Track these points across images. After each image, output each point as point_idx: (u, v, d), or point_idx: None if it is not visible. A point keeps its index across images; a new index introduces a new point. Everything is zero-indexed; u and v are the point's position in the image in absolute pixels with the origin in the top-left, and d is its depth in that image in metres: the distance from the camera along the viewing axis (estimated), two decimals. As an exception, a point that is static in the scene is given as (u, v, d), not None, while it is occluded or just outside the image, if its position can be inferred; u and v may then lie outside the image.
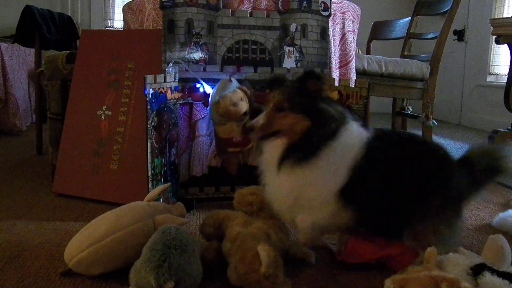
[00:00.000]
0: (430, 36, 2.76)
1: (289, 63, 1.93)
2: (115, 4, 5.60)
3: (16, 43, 3.46)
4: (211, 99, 1.78)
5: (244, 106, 1.78)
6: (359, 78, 2.21)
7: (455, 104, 5.25)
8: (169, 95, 1.76)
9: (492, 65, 4.73)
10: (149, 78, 1.63)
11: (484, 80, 4.78)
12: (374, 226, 1.32)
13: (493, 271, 1.16)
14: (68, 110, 2.09)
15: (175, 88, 1.80)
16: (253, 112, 1.62)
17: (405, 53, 3.06)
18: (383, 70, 2.44)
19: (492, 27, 3.44)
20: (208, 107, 1.82)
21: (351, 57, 2.19)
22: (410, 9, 3.12)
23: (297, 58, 1.93)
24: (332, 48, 2.06)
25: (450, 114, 5.30)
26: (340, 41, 2.17)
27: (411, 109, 3.13)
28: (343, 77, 2.12)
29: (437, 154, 1.36)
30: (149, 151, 1.65)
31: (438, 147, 1.40)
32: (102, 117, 2.00)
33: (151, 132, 1.66)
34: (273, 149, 1.29)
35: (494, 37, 3.53)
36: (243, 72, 1.89)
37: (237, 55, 1.89)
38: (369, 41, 3.53)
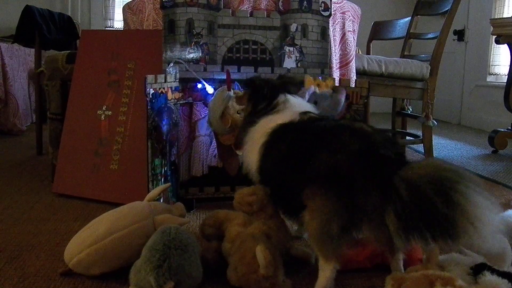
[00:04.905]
0: (430, 36, 2.76)
1: (289, 63, 1.93)
2: (115, 4, 5.60)
3: (16, 43, 3.46)
4: (211, 113, 1.74)
5: None
6: (359, 78, 2.21)
7: (455, 104, 5.25)
8: (170, 95, 1.76)
9: (492, 65, 4.73)
10: (150, 78, 1.63)
11: (484, 80, 4.78)
12: (283, 205, 1.31)
13: (493, 271, 1.16)
14: (68, 110, 2.09)
15: (176, 88, 1.80)
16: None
17: (405, 53, 3.06)
18: (383, 70, 2.44)
19: (492, 27, 3.46)
20: (209, 120, 1.78)
21: (351, 57, 2.19)
22: (410, 9, 3.12)
23: (298, 58, 1.93)
24: (332, 48, 2.06)
25: (450, 114, 5.30)
26: (340, 41, 2.17)
27: (411, 109, 3.13)
28: (343, 77, 2.12)
29: (336, 142, 1.14)
30: (149, 151, 1.65)
31: (352, 138, 1.14)
32: (102, 117, 2.00)
33: (151, 132, 1.66)
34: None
35: (494, 37, 3.54)
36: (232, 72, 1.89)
37: (238, 55, 1.89)
38: (369, 41, 3.53)
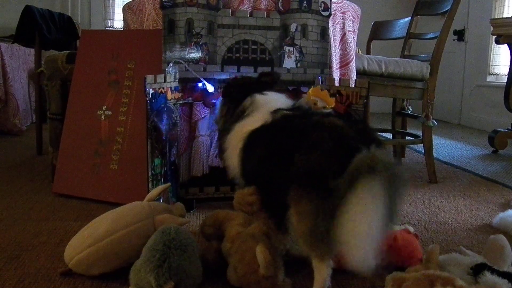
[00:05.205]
0: (430, 36, 2.76)
1: (289, 63, 1.93)
2: (115, 4, 5.60)
3: (16, 43, 3.46)
4: (218, 112, 1.70)
5: None
6: (359, 78, 2.21)
7: (455, 104, 5.25)
8: (169, 95, 1.76)
9: (492, 65, 4.73)
10: (150, 78, 1.63)
11: (484, 80, 4.78)
12: (270, 208, 1.30)
13: (493, 271, 1.16)
14: (68, 110, 2.09)
15: (175, 88, 1.80)
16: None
17: (405, 53, 3.06)
18: (383, 70, 2.43)
19: (492, 27, 3.46)
20: (214, 120, 1.76)
21: (351, 57, 2.19)
22: (410, 9, 3.12)
23: (297, 58, 1.93)
24: (332, 48, 2.06)
25: (450, 114, 5.30)
26: (340, 41, 2.17)
27: (411, 109, 3.13)
28: (343, 77, 2.12)
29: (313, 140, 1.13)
30: (149, 151, 1.65)
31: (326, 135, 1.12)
32: (102, 117, 2.00)
33: (151, 132, 1.66)
34: None
35: (494, 37, 3.54)
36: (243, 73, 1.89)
37: (237, 55, 1.89)
38: (369, 41, 3.53)
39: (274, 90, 1.51)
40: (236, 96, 1.49)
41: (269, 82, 1.54)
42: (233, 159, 1.37)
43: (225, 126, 1.49)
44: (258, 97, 1.44)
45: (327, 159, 1.07)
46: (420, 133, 2.60)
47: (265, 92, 1.47)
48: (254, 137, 1.32)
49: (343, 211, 0.96)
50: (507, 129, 3.52)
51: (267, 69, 1.90)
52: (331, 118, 1.22)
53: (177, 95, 1.82)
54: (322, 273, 1.11)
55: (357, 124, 1.19)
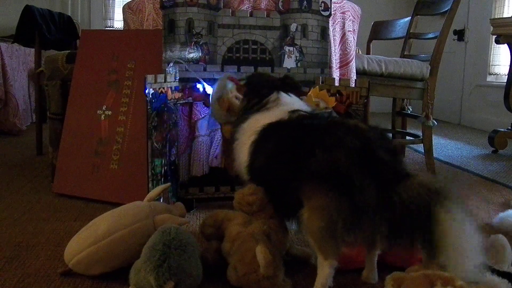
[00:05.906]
0: (430, 36, 2.76)
1: (289, 63, 1.93)
2: (115, 4, 5.60)
3: (16, 43, 3.46)
4: (212, 97, 1.74)
5: None
6: (359, 78, 2.21)
7: (455, 104, 5.25)
8: (170, 95, 1.76)
9: (492, 65, 4.73)
10: (150, 78, 1.63)
11: (484, 80, 4.78)
12: (277, 204, 1.31)
13: (493, 271, 1.16)
14: (68, 110, 2.09)
15: (176, 88, 1.80)
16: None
17: (405, 53, 3.06)
18: (383, 70, 2.43)
19: (492, 27, 3.46)
20: (210, 108, 1.79)
21: (351, 57, 2.19)
22: (410, 9, 3.12)
23: (297, 58, 1.93)
24: (332, 48, 2.06)
25: (450, 114, 5.30)
26: (340, 41, 2.17)
27: (411, 109, 3.13)
28: (343, 77, 2.12)
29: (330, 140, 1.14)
30: (149, 151, 1.65)
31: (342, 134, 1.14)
32: (102, 117, 2.00)
33: (151, 132, 1.66)
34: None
35: (494, 37, 3.54)
36: (241, 72, 1.89)
37: (238, 55, 1.89)
38: (369, 41, 3.53)
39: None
40: (261, 91, 1.48)
41: (292, 86, 1.55)
42: (242, 152, 1.37)
43: (239, 117, 1.49)
44: (284, 95, 1.45)
45: (353, 157, 1.08)
46: (420, 133, 2.60)
47: (290, 94, 1.48)
48: (269, 131, 1.32)
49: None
50: (507, 129, 3.51)
51: (267, 70, 1.90)
52: (354, 120, 1.25)
53: (177, 95, 1.81)
54: (325, 270, 1.12)
55: (375, 128, 1.20)
